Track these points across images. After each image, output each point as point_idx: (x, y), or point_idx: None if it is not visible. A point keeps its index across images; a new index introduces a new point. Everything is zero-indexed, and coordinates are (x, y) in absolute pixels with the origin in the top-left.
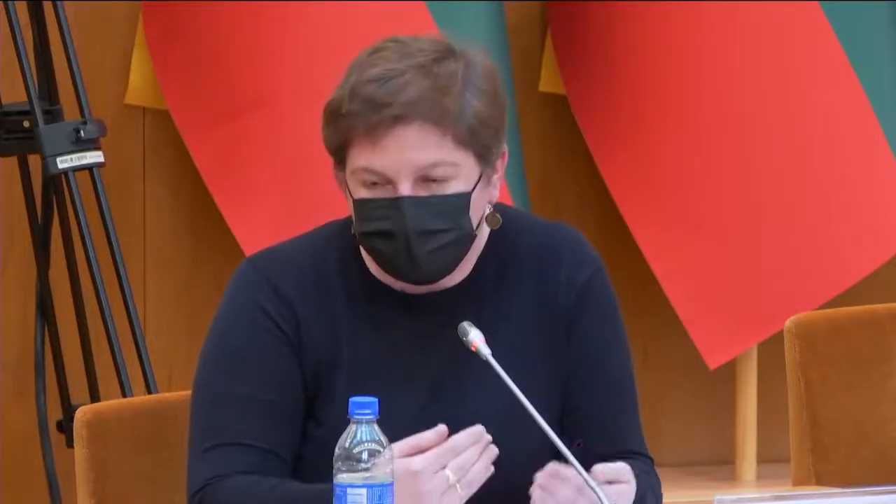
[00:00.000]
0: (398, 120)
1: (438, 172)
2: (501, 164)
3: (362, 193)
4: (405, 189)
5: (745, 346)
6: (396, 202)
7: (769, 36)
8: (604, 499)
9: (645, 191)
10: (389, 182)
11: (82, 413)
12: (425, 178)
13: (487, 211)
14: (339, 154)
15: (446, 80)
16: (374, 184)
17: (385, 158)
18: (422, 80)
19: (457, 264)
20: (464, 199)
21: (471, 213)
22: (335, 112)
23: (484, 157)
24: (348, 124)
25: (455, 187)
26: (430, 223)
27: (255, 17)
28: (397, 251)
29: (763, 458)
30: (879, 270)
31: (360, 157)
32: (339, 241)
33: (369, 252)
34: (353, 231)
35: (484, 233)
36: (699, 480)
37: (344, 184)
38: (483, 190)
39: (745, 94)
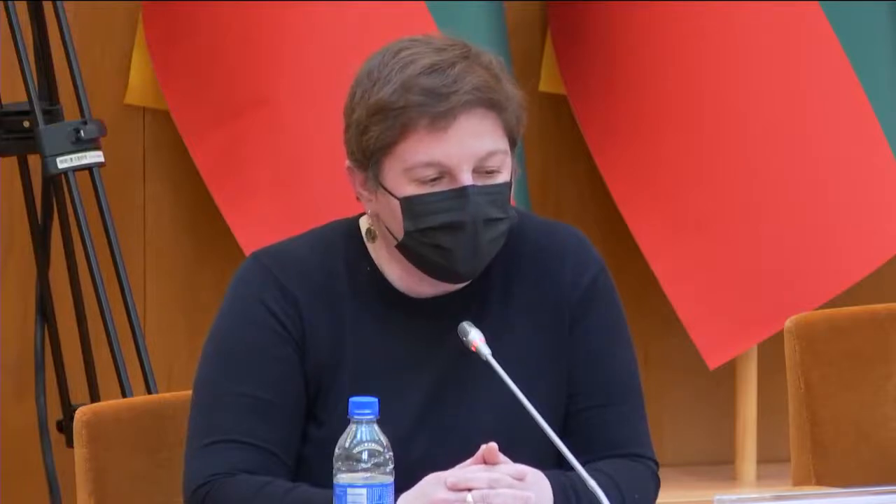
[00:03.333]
0: (465, 107)
1: (493, 161)
2: None
3: (412, 190)
4: (467, 179)
5: (745, 346)
6: (462, 192)
7: (769, 36)
8: (604, 499)
9: (645, 191)
10: (447, 174)
11: (82, 413)
12: (478, 169)
13: None
14: (380, 154)
15: (491, 68)
16: (432, 180)
17: (448, 148)
18: (476, 68)
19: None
20: (508, 190)
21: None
22: (386, 107)
23: (514, 147)
24: (407, 117)
25: (500, 178)
26: (491, 212)
27: (255, 17)
28: (463, 242)
29: (763, 458)
30: (879, 270)
31: (418, 151)
32: (345, 241)
33: (419, 250)
34: (372, 234)
35: None
36: (699, 480)
37: (374, 186)
38: (513, 183)
39: (745, 95)
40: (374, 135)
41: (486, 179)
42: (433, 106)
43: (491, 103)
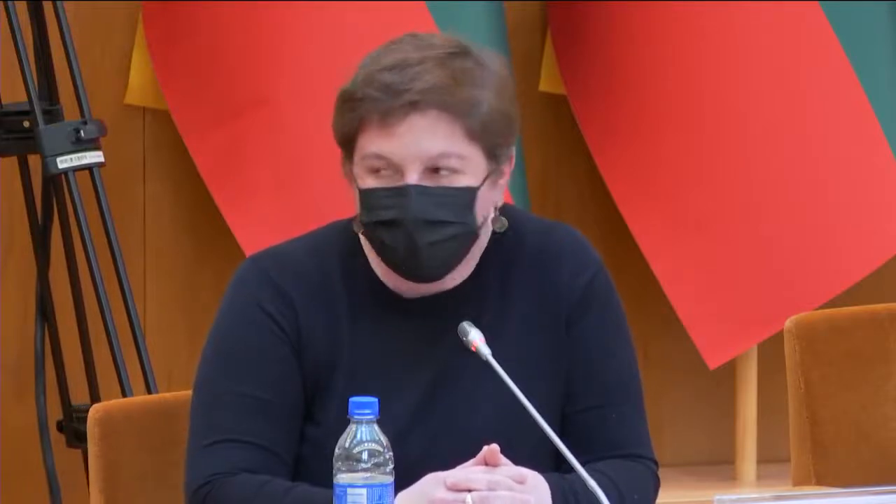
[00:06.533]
0: (413, 107)
1: (447, 163)
2: (508, 169)
3: (369, 183)
4: (413, 178)
5: (745, 347)
6: (402, 190)
7: (769, 36)
8: (604, 499)
9: (645, 191)
10: (398, 171)
11: (94, 411)
12: (434, 169)
13: (492, 214)
14: (349, 143)
15: (462, 73)
16: (382, 171)
17: (396, 145)
18: (438, 70)
19: (458, 262)
20: (470, 194)
21: (476, 210)
22: (349, 98)
23: (493, 155)
24: (363, 109)
25: (462, 181)
26: (435, 213)
27: (255, 17)
28: (400, 241)
29: (763, 458)
30: (879, 270)
31: (371, 143)
32: (342, 242)
33: (372, 244)
34: (357, 226)
35: (486, 235)
36: (699, 480)
37: (350, 176)
38: (490, 189)
39: (745, 95)
40: (339, 123)
41: (439, 181)
42: (385, 102)
43: (444, 105)
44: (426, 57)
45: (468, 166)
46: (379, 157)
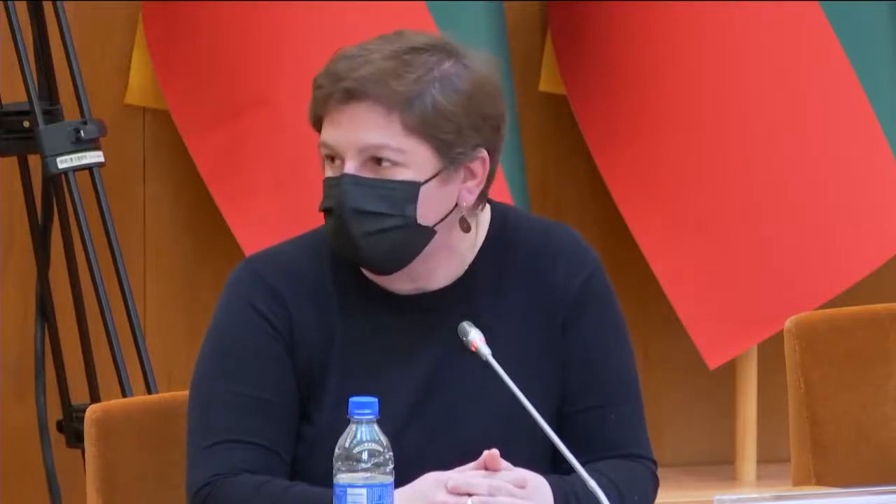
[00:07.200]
0: (349, 95)
1: (386, 155)
2: (482, 171)
3: (326, 171)
4: (350, 167)
5: (745, 347)
6: (339, 179)
7: (769, 36)
8: (604, 499)
9: (645, 191)
10: (342, 160)
11: (92, 411)
12: (375, 160)
13: (452, 211)
14: (319, 130)
15: (408, 67)
16: (335, 160)
17: (336, 134)
18: (383, 62)
19: (408, 255)
20: (410, 189)
21: (421, 205)
22: (313, 86)
23: (444, 152)
24: (319, 94)
25: (404, 175)
26: (369, 204)
27: (255, 17)
28: (336, 229)
29: (763, 458)
30: (879, 270)
31: (324, 131)
32: None
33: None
34: None
35: (454, 234)
36: (699, 480)
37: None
38: (442, 187)
39: (745, 95)
40: (310, 114)
41: (380, 173)
42: (328, 89)
43: (378, 96)
44: (384, 48)
45: (411, 160)
46: (325, 145)
